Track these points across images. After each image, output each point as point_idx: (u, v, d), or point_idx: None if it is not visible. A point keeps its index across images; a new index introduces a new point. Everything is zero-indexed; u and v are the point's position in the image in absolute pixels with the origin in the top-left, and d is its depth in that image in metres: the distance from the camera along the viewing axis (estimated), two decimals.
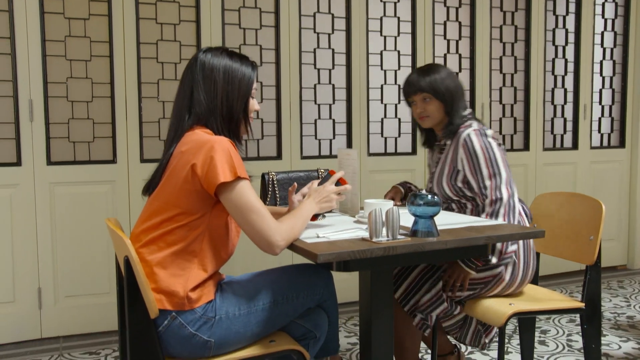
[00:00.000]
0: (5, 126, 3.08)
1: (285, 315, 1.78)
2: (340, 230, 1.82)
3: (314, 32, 3.65)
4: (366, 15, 3.73)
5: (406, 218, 1.92)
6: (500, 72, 4.19)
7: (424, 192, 1.76)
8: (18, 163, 3.09)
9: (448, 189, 2.31)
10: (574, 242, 2.30)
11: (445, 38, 4.00)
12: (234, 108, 1.75)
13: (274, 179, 2.16)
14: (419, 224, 1.75)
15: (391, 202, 1.96)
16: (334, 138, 3.75)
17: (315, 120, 3.70)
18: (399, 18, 3.85)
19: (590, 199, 2.29)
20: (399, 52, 3.87)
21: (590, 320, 2.22)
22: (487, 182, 2.19)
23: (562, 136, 4.44)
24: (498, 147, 2.23)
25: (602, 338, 3.16)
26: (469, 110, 2.37)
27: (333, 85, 3.72)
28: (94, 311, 3.23)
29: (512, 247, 2.17)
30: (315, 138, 3.71)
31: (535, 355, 2.93)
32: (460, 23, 4.03)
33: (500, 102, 4.21)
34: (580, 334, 3.20)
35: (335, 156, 3.72)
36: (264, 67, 3.54)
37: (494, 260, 2.14)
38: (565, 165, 4.39)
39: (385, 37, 3.83)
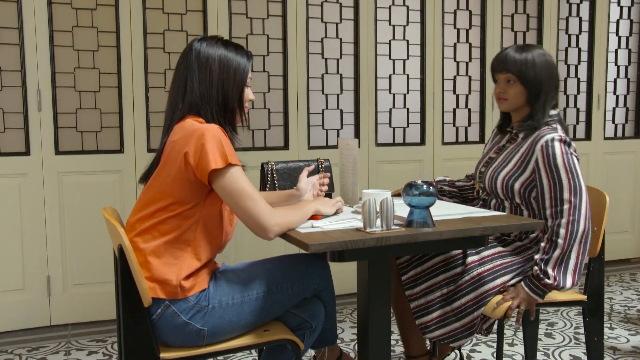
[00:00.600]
0: (14, 116, 3.12)
1: (280, 305, 1.78)
2: (336, 221, 1.81)
3: (322, 21, 3.63)
4: (374, 4, 3.70)
5: (406, 209, 1.91)
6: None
7: (419, 182, 1.74)
8: (28, 153, 3.13)
9: (501, 184, 2.10)
10: None
11: (455, 27, 3.95)
12: (230, 97, 1.74)
13: (273, 169, 2.16)
14: (415, 214, 1.73)
15: (388, 193, 1.94)
16: (341, 128, 3.74)
17: (323, 110, 3.69)
18: (408, 7, 3.82)
19: (595, 190, 2.25)
20: (407, 41, 3.84)
21: (593, 313, 2.19)
22: (566, 196, 1.95)
23: (574, 127, 4.38)
24: (579, 163, 2.02)
25: (611, 331, 3.13)
26: (557, 111, 2.13)
27: (341, 75, 3.70)
28: (101, 299, 3.26)
29: (573, 268, 1.97)
30: (323, 128, 3.70)
31: (541, 348, 2.90)
32: (470, 12, 3.98)
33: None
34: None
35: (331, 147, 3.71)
36: (271, 57, 3.53)
37: (568, 283, 1.95)
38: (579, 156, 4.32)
39: (394, 26, 3.80)
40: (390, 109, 3.85)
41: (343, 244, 1.58)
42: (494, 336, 3.04)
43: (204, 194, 1.67)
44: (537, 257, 2.00)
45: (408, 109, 3.88)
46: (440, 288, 2.09)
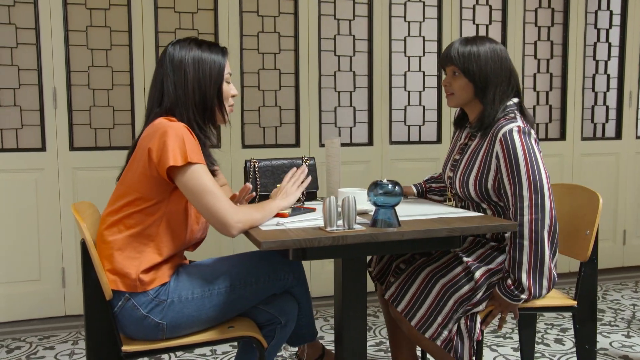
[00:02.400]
0: (31, 113, 3.23)
1: (244, 300, 1.78)
2: (302, 219, 1.80)
3: (334, 18, 3.61)
4: (389, 1, 3.65)
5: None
6: (535, 57, 4.00)
7: (385, 181, 1.71)
8: (44, 148, 3.24)
9: (473, 190, 2.00)
10: (572, 237, 2.17)
11: (474, 22, 3.86)
12: (207, 96, 1.76)
13: (256, 166, 2.16)
14: (380, 213, 1.71)
15: (364, 191, 1.91)
16: (354, 126, 3.71)
17: (335, 108, 3.67)
18: (424, 3, 3.75)
19: (589, 191, 2.16)
20: (423, 37, 3.77)
21: (584, 320, 2.10)
22: (526, 193, 1.85)
23: (603, 125, 4.20)
24: (540, 153, 1.91)
25: (627, 339, 2.99)
26: (515, 101, 2.02)
27: (354, 72, 3.67)
28: None
29: (548, 273, 1.89)
30: (335, 126, 3.68)
31: (546, 354, 2.81)
32: (490, 7, 3.87)
33: (534, 89, 4.02)
34: (601, 333, 3.05)
35: (355, 144, 3.69)
36: (282, 55, 3.54)
37: (544, 291, 1.89)
38: (607, 155, 4.16)
39: (409, 22, 3.74)
40: (405, 107, 3.79)
41: (297, 242, 1.57)
42: (498, 340, 2.96)
43: (169, 190, 1.70)
44: (506, 264, 1.92)
45: (424, 107, 3.82)
46: (445, 302, 1.94)
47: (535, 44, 3.99)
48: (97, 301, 1.65)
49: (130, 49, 3.30)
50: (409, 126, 3.81)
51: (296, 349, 2.32)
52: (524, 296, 1.89)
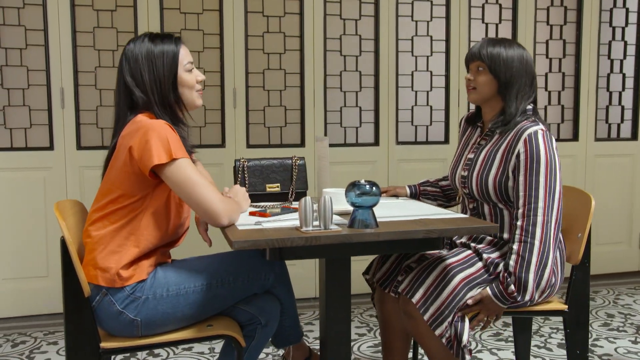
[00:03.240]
0: (39, 113, 3.30)
1: (222, 299, 1.79)
2: (283, 219, 1.80)
3: (340, 18, 3.61)
4: (396, 0, 3.63)
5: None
6: (547, 56, 3.93)
7: (362, 181, 1.70)
8: (52, 147, 3.31)
9: (493, 189, 1.96)
10: (565, 240, 2.13)
11: (483, 22, 3.81)
12: (163, 88, 1.76)
13: (245, 166, 2.17)
14: (357, 214, 1.70)
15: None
16: (360, 126, 3.70)
17: (341, 108, 3.66)
18: (431, 2, 3.71)
19: (583, 194, 2.11)
20: (431, 37, 3.74)
21: (576, 324, 2.05)
22: (542, 194, 1.85)
23: (618, 126, 4.11)
24: (558, 159, 1.92)
25: (633, 345, 2.92)
26: (531, 107, 2.02)
27: (360, 72, 3.66)
28: None
29: (547, 277, 1.88)
30: (341, 126, 3.67)
31: (547, 359, 2.75)
32: (500, 5, 3.82)
33: (546, 88, 3.95)
34: (607, 338, 2.98)
35: (361, 144, 3.67)
36: (287, 55, 3.55)
37: (537, 296, 1.89)
38: (622, 157, 4.06)
39: (416, 22, 3.71)
40: (413, 107, 3.76)
41: (269, 242, 1.56)
42: (499, 344, 2.92)
43: (151, 187, 1.72)
44: (512, 265, 1.87)
45: (431, 107, 3.78)
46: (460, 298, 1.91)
47: (547, 42, 3.92)
48: (76, 299, 1.68)
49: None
50: (416, 126, 3.78)
51: (282, 351, 2.32)
52: (522, 299, 1.86)
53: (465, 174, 2.07)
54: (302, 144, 3.59)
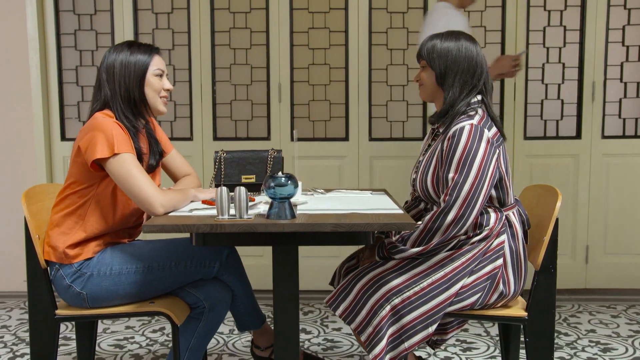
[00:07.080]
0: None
1: (163, 281, 1.93)
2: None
3: (387, 12, 3.58)
4: None
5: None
6: (623, 44, 3.57)
7: (279, 174, 1.74)
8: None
9: (432, 187, 1.95)
10: (537, 242, 1.98)
11: (545, 9, 3.56)
12: (130, 89, 1.94)
13: (222, 158, 2.29)
14: (274, 205, 1.74)
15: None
16: (406, 120, 3.65)
17: (387, 102, 3.64)
18: None
19: (544, 187, 1.97)
20: (485, 28, 3.57)
21: (535, 333, 1.91)
22: (451, 175, 1.83)
23: (636, 120, 3.62)
24: (491, 155, 1.85)
25: None
26: (479, 98, 1.94)
27: (407, 65, 3.61)
28: None
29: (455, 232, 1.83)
30: (387, 120, 3.65)
31: None
32: None
33: (621, 80, 3.59)
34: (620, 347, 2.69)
35: (407, 139, 3.63)
36: (332, 50, 3.60)
37: (413, 249, 1.85)
38: None
39: (469, 12, 3.56)
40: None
41: (175, 227, 1.68)
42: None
43: (99, 177, 1.91)
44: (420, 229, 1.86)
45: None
46: (382, 306, 1.87)
47: (623, 29, 3.56)
48: (35, 270, 1.92)
49: (189, 49, 3.60)
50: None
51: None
52: (402, 248, 1.89)
53: (415, 176, 2.07)
54: (346, 137, 3.63)
